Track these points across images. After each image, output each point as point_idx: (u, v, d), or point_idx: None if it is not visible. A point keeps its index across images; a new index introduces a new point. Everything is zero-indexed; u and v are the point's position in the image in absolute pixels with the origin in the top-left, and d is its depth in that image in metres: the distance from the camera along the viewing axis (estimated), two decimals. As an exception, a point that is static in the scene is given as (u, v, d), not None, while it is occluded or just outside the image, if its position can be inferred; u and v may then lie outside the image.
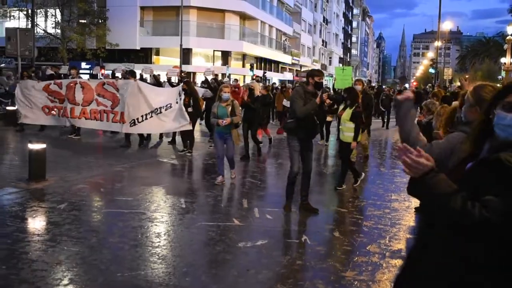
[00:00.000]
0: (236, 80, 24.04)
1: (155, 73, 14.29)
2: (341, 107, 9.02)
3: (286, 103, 15.94)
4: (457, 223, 1.89)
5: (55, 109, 12.72)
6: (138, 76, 13.54)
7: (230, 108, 8.39)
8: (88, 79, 14.64)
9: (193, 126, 11.91)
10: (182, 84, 11.95)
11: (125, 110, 11.58)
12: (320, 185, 9.11)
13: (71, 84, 12.45)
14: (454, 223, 1.91)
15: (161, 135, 14.14)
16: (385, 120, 21.59)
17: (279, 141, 14.59)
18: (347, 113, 8.54)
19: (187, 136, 11.79)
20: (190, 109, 11.50)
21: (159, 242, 5.61)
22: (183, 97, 11.35)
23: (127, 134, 12.31)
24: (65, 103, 12.47)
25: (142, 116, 11.53)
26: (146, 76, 15.86)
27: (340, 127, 8.98)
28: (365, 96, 11.57)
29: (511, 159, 1.86)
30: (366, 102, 11.00)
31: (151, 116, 11.51)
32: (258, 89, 12.52)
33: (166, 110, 11.45)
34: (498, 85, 2.86)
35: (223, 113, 8.37)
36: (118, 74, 14.51)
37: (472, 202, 1.84)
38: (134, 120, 11.58)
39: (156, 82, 13.57)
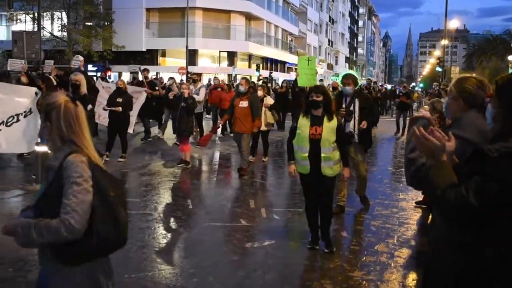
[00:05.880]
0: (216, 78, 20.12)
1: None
2: (303, 120, 5.22)
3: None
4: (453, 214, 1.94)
5: None
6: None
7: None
8: None
9: None
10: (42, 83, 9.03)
11: None
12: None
13: None
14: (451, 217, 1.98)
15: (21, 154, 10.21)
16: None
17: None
18: (329, 128, 5.12)
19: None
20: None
21: (166, 243, 5.60)
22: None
23: None
24: None
25: None
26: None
27: (322, 155, 5.10)
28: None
29: (493, 149, 1.88)
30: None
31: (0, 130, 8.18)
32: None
33: (8, 125, 8.13)
34: (483, 78, 2.82)
35: None
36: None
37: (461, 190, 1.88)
38: None
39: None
